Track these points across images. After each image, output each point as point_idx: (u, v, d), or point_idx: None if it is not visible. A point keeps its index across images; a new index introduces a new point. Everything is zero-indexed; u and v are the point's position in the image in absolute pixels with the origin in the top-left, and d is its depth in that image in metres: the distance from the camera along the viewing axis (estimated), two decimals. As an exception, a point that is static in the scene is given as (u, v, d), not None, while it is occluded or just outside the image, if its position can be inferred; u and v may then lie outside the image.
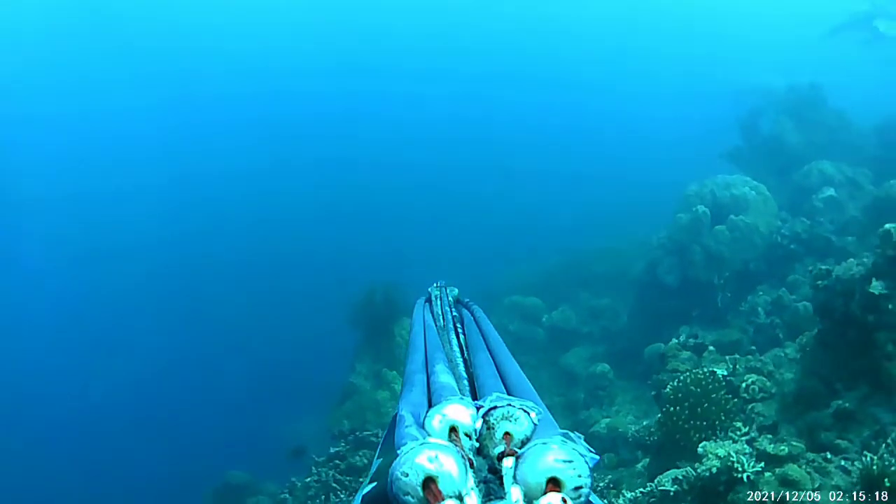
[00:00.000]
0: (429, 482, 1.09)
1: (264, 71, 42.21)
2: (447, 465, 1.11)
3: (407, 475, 1.10)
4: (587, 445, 1.19)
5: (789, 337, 9.42)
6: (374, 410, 11.77)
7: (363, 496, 1.39)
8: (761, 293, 10.80)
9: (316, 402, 14.75)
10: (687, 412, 7.19)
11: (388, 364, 12.34)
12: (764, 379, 7.98)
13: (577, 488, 1.11)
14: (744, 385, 7.88)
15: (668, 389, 7.60)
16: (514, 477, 1.14)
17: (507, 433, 1.27)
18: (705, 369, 7.89)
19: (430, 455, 1.12)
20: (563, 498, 1.07)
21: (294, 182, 32.41)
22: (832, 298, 7.00)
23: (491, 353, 2.37)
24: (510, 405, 1.32)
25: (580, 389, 12.25)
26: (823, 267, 7.44)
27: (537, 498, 1.09)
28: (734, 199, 11.91)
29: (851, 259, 7.24)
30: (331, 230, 28.32)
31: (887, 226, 6.62)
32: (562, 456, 1.13)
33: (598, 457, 1.19)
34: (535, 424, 1.31)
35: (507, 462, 1.17)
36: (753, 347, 9.50)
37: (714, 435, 6.85)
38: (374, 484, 1.42)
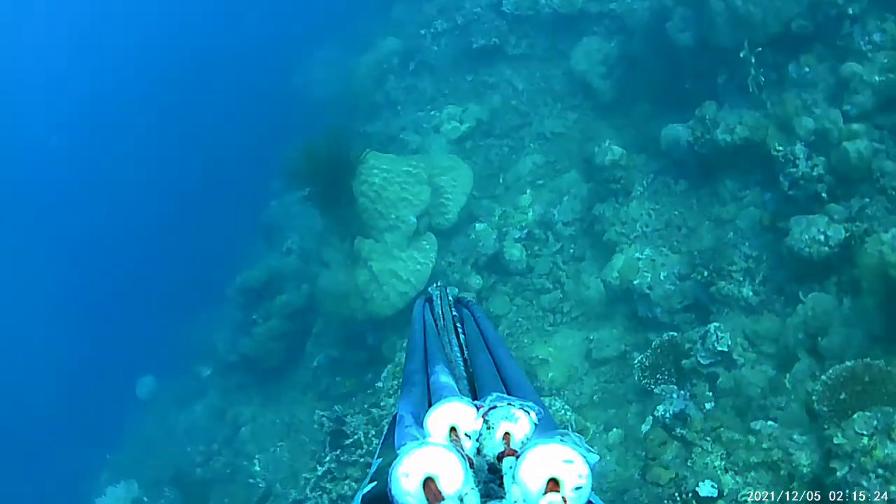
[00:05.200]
0: (428, 482, 1.10)
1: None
2: (447, 465, 1.12)
3: (407, 475, 1.11)
4: (587, 445, 1.20)
5: (837, 196, 7.04)
6: (358, 297, 8.91)
7: (363, 496, 1.40)
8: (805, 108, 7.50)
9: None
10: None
11: (359, 231, 9.17)
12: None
13: (577, 488, 1.12)
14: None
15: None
16: (514, 477, 1.14)
17: (506, 433, 1.28)
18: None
19: (429, 455, 1.13)
20: (563, 498, 1.08)
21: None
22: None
23: (491, 354, 2.38)
24: (510, 405, 1.32)
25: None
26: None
27: (537, 498, 1.09)
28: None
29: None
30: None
31: None
32: (562, 456, 1.14)
33: (598, 457, 1.20)
34: (535, 424, 1.31)
35: (507, 462, 1.18)
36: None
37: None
38: (374, 484, 1.42)
